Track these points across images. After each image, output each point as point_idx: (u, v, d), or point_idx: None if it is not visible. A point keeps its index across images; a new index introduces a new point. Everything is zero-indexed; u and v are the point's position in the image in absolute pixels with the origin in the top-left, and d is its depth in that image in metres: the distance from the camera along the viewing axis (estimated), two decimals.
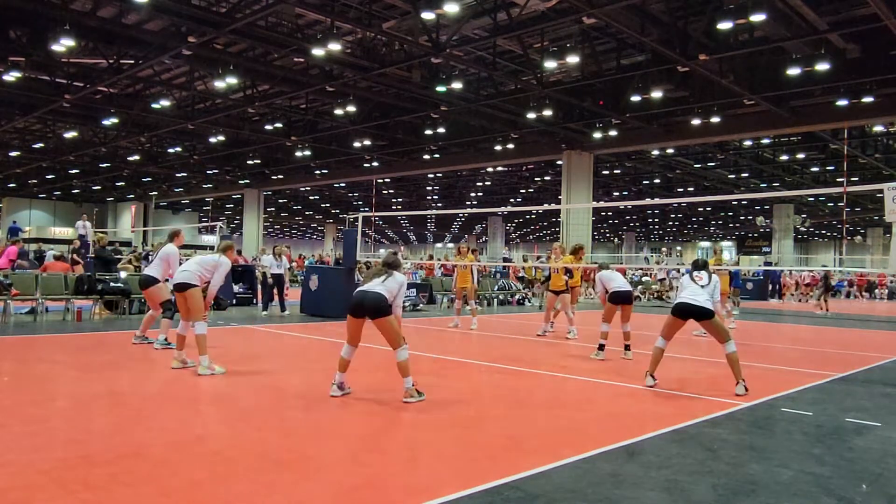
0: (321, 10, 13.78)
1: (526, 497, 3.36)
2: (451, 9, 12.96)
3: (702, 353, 9.35)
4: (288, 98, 21.18)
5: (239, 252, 10.84)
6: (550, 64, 16.86)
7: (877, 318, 19.46)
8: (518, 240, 74.98)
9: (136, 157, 31.69)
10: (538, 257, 27.50)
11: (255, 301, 16.23)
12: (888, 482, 3.83)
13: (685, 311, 6.43)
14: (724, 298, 13.75)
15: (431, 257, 34.84)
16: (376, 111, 22.06)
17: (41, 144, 30.27)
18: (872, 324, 17.35)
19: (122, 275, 12.93)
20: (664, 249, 69.31)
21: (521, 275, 23.36)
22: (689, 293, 6.46)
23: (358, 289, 5.58)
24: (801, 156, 28.46)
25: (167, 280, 8.27)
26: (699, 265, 6.83)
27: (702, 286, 6.50)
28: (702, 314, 6.37)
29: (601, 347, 8.44)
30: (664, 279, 27.63)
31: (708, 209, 48.43)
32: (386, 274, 5.55)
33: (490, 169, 33.27)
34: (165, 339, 8.17)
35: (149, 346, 8.34)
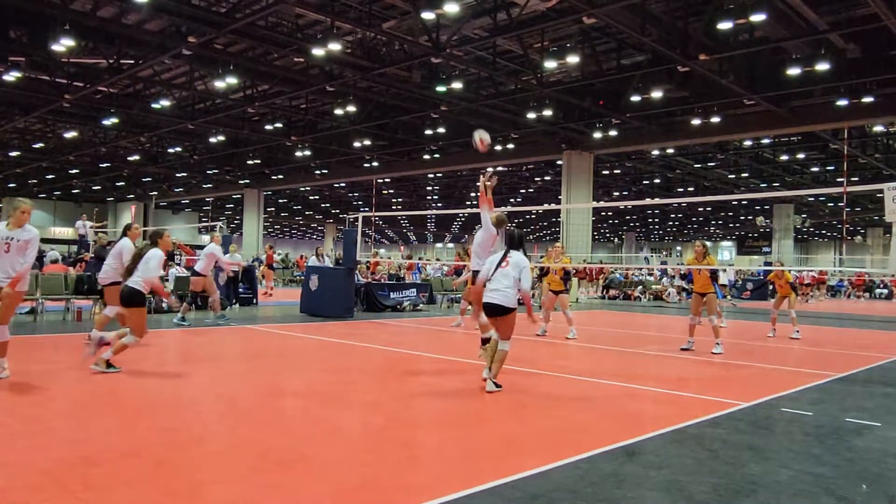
0: (321, 9, 13.78)
1: (526, 497, 3.36)
2: (451, 9, 12.96)
3: (702, 353, 9.34)
4: (288, 98, 21.17)
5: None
6: (550, 64, 16.85)
7: (878, 318, 19.45)
8: None
9: (136, 157, 31.69)
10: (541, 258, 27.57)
11: (255, 301, 16.30)
12: (888, 482, 3.84)
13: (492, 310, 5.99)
14: (788, 302, 11.69)
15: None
16: (376, 111, 22.05)
17: (41, 144, 30.27)
18: (872, 323, 17.34)
19: None
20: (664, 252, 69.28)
21: None
22: (491, 285, 6.03)
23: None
24: (801, 156, 28.44)
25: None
26: (516, 241, 6.19)
27: (504, 271, 5.97)
28: (496, 311, 5.99)
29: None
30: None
31: (708, 209, 48.40)
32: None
33: (490, 169, 33.22)
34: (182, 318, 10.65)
35: (147, 346, 8.39)
